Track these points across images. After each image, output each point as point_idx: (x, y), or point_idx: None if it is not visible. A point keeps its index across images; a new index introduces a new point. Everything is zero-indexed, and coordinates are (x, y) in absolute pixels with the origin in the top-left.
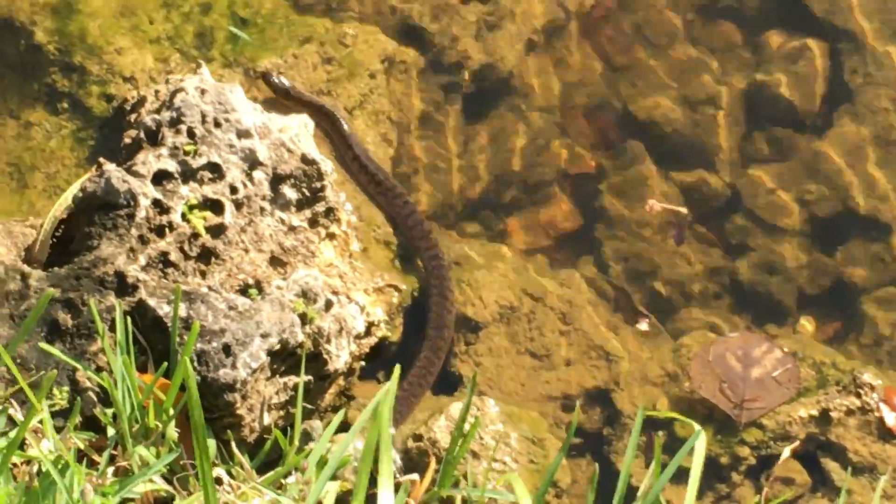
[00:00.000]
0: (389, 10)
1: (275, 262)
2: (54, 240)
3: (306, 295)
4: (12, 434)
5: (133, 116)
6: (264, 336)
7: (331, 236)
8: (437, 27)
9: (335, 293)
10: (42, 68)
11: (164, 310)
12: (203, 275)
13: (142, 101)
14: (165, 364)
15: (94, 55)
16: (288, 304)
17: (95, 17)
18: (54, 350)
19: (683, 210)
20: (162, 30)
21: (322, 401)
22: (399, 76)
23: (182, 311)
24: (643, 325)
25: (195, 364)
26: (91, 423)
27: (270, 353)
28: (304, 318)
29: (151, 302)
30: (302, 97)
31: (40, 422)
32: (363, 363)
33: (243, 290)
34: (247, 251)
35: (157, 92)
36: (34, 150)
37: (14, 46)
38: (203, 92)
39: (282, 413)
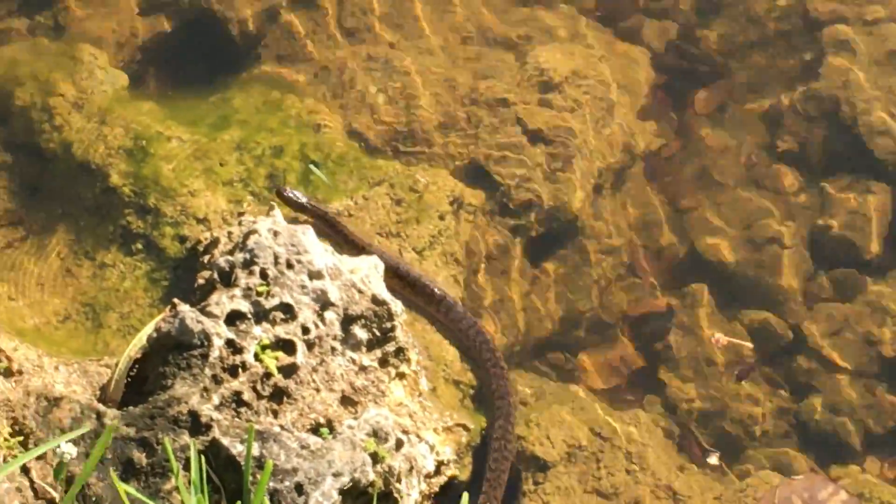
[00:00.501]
0: (458, 152)
1: (346, 401)
2: (129, 379)
3: (377, 434)
4: None
5: (206, 257)
6: (336, 475)
7: (400, 376)
8: (504, 169)
9: (405, 432)
10: (117, 210)
11: (237, 449)
12: (275, 414)
13: (215, 242)
14: (239, 503)
15: (169, 197)
16: (359, 444)
17: (170, 160)
18: (129, 488)
19: (748, 344)
20: (235, 172)
21: None
22: (467, 217)
23: (255, 450)
24: (713, 459)
25: (268, 503)
26: None
27: (342, 491)
28: (376, 458)
29: (225, 441)
30: (317, 210)
31: None
32: (433, 502)
33: (315, 429)
34: (318, 391)
35: (230, 233)
36: (109, 290)
37: (90, 189)
38: (276, 234)
39: None
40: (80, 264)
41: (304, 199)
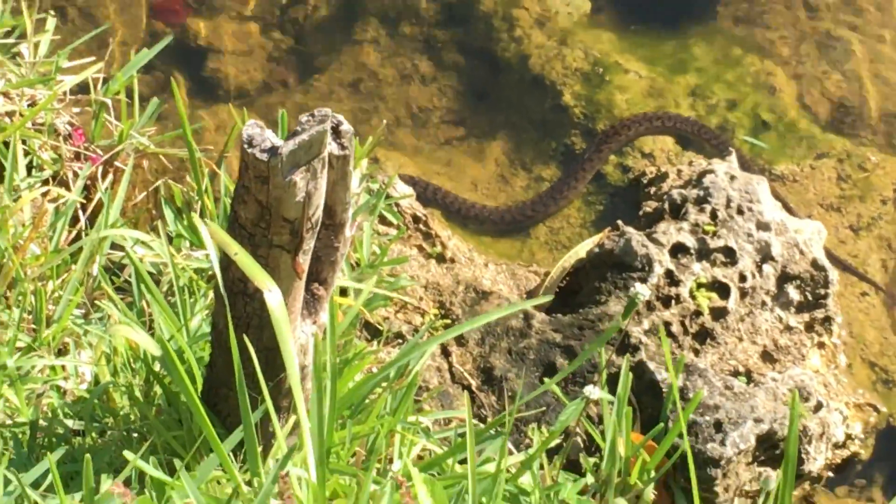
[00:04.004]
0: None
1: (766, 356)
2: (558, 289)
3: (799, 392)
4: (521, 457)
5: (652, 189)
6: (757, 420)
7: (820, 345)
8: None
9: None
10: (563, 128)
11: (661, 375)
12: (696, 353)
13: (663, 176)
14: (661, 425)
15: None
16: (781, 397)
17: (624, 90)
18: (554, 387)
19: None
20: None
21: None
22: None
23: (679, 381)
24: None
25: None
26: (572, 466)
27: (758, 438)
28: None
29: (651, 365)
30: None
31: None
32: (831, 474)
33: (732, 376)
34: (741, 340)
35: (679, 171)
36: None
37: (540, 104)
38: (732, 178)
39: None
40: (516, 173)
41: None
